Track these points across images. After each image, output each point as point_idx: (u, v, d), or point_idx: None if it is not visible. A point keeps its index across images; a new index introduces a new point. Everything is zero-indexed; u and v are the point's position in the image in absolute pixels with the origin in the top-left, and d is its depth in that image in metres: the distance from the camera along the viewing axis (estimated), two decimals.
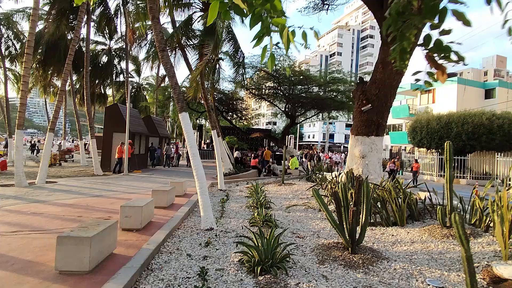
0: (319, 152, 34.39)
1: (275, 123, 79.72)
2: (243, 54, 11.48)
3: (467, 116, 20.23)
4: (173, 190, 8.21)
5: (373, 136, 10.09)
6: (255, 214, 6.47)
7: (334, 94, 20.05)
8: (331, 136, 68.44)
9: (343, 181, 10.22)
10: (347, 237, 4.71)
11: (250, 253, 4.17)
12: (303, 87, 20.08)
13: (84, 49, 21.87)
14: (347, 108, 21.60)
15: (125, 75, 29.55)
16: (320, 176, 12.69)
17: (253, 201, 8.12)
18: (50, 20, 17.63)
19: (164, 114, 33.60)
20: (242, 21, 11.48)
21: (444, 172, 21.18)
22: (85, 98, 13.63)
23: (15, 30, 22.77)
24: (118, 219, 5.84)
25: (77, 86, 31.43)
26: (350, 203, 5.31)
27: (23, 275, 3.58)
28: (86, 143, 30.94)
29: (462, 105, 26.47)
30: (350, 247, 4.74)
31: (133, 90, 33.07)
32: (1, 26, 22.29)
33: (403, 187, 7.26)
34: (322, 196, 8.92)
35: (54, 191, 9.50)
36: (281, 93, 21.41)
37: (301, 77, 19.22)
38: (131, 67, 31.24)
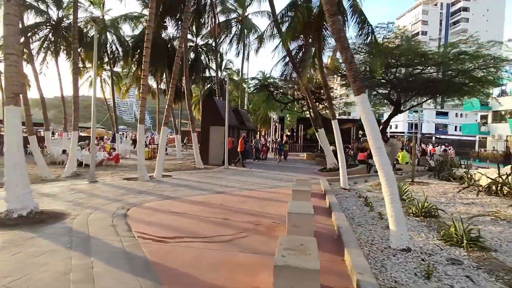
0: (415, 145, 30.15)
1: (349, 113, 74.42)
2: (372, 27, 9.41)
3: None
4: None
5: None
6: (451, 229, 4.79)
7: (453, 74, 16.54)
8: (412, 126, 61.09)
9: None
10: None
11: None
12: (413, 68, 17.09)
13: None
14: (467, 92, 17.75)
15: (210, 71, 30.19)
16: (464, 173, 10.22)
17: (416, 207, 6.41)
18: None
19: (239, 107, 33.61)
20: None
21: None
22: (186, 94, 13.52)
23: (118, 35, 24.74)
24: (272, 226, 4.70)
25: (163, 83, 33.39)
26: None
27: None
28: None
29: None
30: None
31: (214, 86, 33.73)
32: (108, 33, 24.43)
33: None
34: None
35: (176, 186, 9.26)
36: (381, 77, 18.78)
37: (409, 56, 16.23)
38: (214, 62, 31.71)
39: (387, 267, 3.76)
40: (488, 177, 8.43)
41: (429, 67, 16.81)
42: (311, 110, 17.05)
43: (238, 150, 15.39)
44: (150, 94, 37.53)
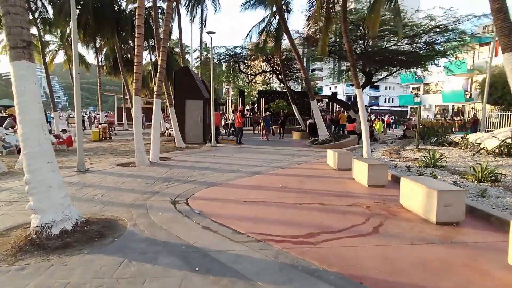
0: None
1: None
2: None
3: None
4: None
5: None
6: None
7: (421, 46, 17.48)
8: (350, 98, 65.87)
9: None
10: None
11: None
12: (385, 40, 17.56)
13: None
14: (423, 62, 18.78)
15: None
16: (461, 138, 10.96)
17: (476, 175, 6.36)
18: None
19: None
20: None
21: None
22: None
23: None
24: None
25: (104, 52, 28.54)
26: None
27: None
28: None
29: None
30: None
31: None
32: None
33: None
34: None
35: (195, 170, 7.74)
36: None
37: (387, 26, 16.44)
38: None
39: None
40: (505, 141, 8.99)
41: (402, 39, 17.34)
42: (299, 82, 16.18)
43: (236, 126, 14.23)
44: (83, 65, 32.04)
